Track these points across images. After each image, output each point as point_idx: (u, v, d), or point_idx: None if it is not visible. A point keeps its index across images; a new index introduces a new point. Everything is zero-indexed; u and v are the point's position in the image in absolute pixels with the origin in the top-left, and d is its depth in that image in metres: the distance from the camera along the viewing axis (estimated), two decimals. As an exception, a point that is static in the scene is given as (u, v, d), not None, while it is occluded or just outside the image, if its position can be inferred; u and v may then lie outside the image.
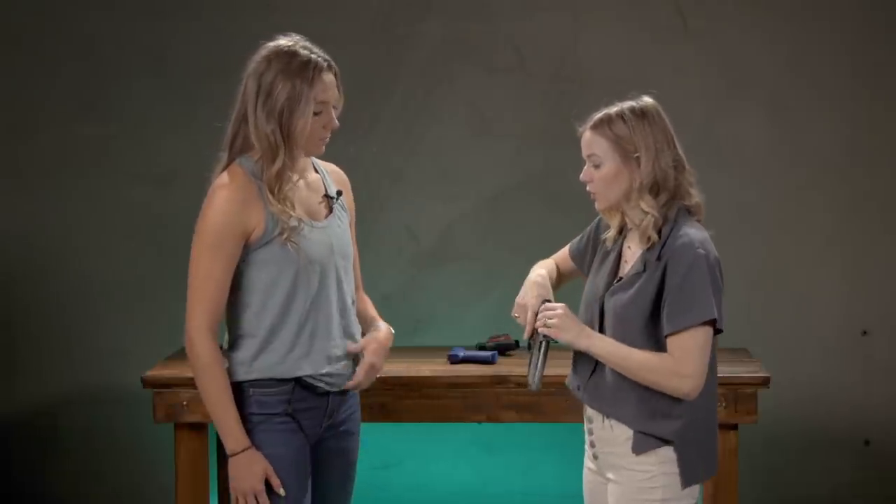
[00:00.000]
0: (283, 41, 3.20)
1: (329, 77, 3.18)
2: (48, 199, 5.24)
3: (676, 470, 3.08)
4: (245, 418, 3.18)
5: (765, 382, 4.00)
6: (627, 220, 3.16)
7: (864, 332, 5.17)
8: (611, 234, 3.22)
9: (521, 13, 5.19)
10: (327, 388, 3.22)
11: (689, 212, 3.12)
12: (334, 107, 3.21)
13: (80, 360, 5.24)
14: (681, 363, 3.00)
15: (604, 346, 3.09)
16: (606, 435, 3.15)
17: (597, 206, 3.18)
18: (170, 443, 4.06)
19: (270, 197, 3.13)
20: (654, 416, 3.07)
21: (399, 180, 5.24)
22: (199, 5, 5.21)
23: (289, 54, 3.16)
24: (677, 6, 5.16)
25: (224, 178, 3.16)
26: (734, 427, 4.00)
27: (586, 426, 3.23)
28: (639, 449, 3.09)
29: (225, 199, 3.13)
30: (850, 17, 5.13)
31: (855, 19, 5.13)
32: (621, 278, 3.15)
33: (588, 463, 3.26)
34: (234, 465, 3.15)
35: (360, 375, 3.28)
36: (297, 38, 3.22)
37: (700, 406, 3.09)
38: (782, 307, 5.17)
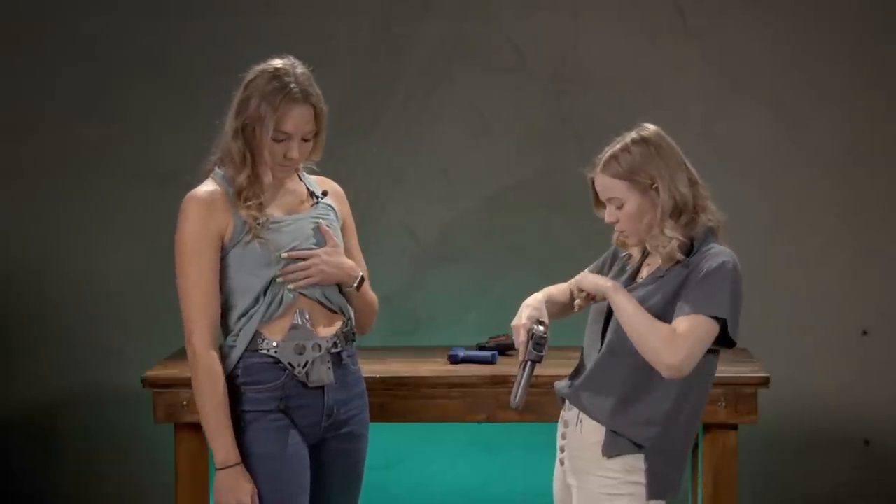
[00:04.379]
0: (279, 62, 3.21)
1: (299, 109, 3.16)
2: (48, 199, 5.24)
3: (643, 481, 3.03)
4: (238, 416, 3.19)
5: (765, 382, 4.00)
6: (649, 247, 3.13)
7: (864, 332, 5.17)
8: (634, 258, 3.21)
9: (521, 13, 5.19)
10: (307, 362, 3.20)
11: (713, 233, 3.12)
12: (305, 139, 3.18)
13: (81, 360, 5.23)
14: (680, 338, 2.97)
15: (626, 298, 3.03)
16: (576, 439, 3.11)
17: (629, 242, 3.16)
18: (170, 443, 4.06)
19: (239, 201, 3.17)
20: (630, 419, 3.03)
21: (399, 180, 5.23)
22: (199, 5, 5.20)
23: (271, 76, 3.17)
24: (677, 6, 5.16)
25: (194, 190, 3.22)
26: (734, 427, 3.99)
27: (560, 431, 3.19)
28: (609, 451, 3.04)
29: (194, 209, 3.18)
30: (850, 17, 5.13)
31: (855, 19, 5.13)
32: (636, 282, 3.15)
33: (557, 469, 3.22)
34: (222, 478, 3.17)
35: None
36: (295, 63, 3.22)
37: (681, 420, 3.05)
38: (782, 307, 5.17)
